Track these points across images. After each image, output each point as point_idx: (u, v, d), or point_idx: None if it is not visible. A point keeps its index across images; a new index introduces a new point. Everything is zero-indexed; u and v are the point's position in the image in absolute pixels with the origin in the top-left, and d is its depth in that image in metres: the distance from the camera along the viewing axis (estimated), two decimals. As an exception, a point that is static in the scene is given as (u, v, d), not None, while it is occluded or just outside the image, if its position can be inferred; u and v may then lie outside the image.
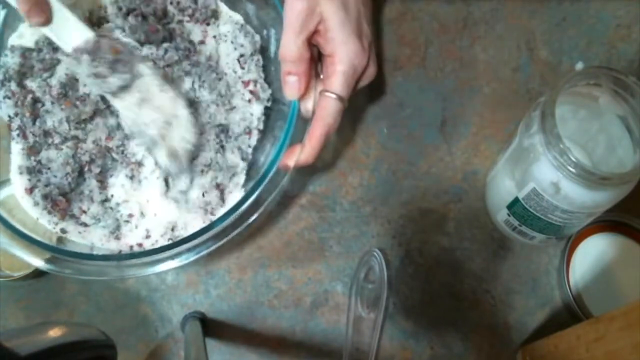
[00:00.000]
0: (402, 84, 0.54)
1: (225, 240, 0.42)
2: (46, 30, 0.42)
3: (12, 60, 0.46)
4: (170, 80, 0.46)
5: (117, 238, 0.46)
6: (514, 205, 0.45)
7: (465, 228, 0.51)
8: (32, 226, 0.44)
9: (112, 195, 0.46)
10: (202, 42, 0.49)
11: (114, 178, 0.47)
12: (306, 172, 0.51)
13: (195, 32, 0.48)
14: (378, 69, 0.47)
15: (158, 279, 0.50)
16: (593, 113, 0.44)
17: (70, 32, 0.42)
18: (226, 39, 0.49)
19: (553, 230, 0.44)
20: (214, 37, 0.49)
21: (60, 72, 0.46)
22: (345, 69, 0.43)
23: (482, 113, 0.53)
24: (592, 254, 0.50)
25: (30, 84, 0.46)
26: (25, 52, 0.46)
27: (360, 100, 0.53)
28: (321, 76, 0.45)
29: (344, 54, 0.42)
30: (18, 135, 0.46)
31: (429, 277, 0.50)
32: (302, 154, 0.43)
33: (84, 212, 0.46)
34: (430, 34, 0.54)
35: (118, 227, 0.46)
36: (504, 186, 0.46)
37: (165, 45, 0.47)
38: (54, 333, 0.28)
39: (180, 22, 0.48)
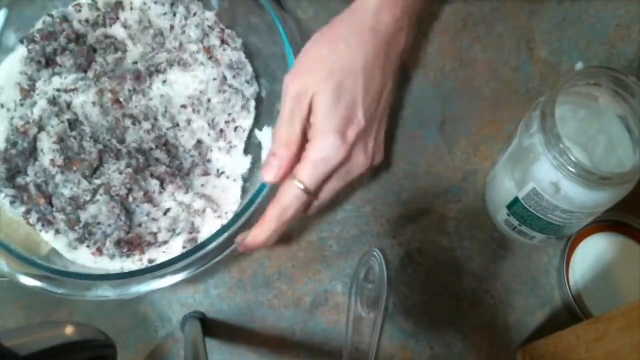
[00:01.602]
0: (402, 84, 0.54)
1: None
2: None
3: None
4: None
5: (194, 240, 0.46)
6: (514, 205, 0.45)
7: (465, 228, 0.51)
8: (23, 244, 0.44)
9: (169, 208, 0.47)
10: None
11: (163, 193, 0.47)
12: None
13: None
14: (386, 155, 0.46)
15: (158, 279, 0.50)
16: (593, 113, 0.44)
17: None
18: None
19: (553, 230, 0.44)
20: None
21: (48, 145, 0.45)
22: (315, 159, 0.40)
23: (482, 113, 0.53)
24: (592, 254, 0.50)
25: (26, 177, 0.45)
26: (4, 155, 0.45)
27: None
28: None
29: (318, 144, 0.40)
30: (43, 225, 0.45)
31: (429, 277, 0.50)
32: (251, 233, 0.41)
33: (156, 233, 0.46)
34: (430, 34, 0.54)
35: (194, 229, 0.46)
36: (504, 186, 0.46)
37: None
38: (54, 333, 0.28)
39: None
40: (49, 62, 0.48)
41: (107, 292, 0.41)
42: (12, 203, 0.44)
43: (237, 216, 0.43)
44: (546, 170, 0.40)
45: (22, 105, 0.47)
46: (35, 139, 0.46)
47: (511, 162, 0.45)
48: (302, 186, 0.40)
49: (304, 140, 0.41)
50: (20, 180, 0.45)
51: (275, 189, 0.42)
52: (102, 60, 0.49)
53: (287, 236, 0.51)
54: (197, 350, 0.42)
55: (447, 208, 0.51)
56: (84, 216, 0.45)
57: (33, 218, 0.44)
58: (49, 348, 0.27)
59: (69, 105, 0.47)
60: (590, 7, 0.55)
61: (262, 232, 0.41)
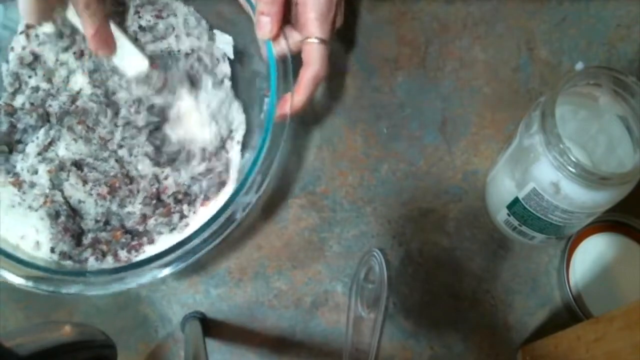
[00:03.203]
0: (402, 84, 0.54)
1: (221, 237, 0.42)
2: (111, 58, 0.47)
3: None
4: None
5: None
6: (514, 205, 0.45)
7: (465, 228, 0.51)
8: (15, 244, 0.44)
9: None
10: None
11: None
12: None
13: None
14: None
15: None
16: (593, 113, 0.44)
17: (129, 59, 0.48)
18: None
19: (553, 230, 0.44)
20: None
21: (76, 187, 0.46)
22: (317, 15, 0.44)
23: (482, 113, 0.53)
24: (592, 254, 0.50)
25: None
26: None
27: (361, 99, 0.53)
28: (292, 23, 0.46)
29: (312, 2, 0.43)
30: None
31: (429, 277, 0.50)
32: (293, 98, 0.44)
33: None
34: (430, 34, 0.54)
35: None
36: (504, 186, 0.46)
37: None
38: (54, 333, 0.28)
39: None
40: (12, 146, 0.48)
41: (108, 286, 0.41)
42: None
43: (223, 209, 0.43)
44: (546, 170, 0.40)
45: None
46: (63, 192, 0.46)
47: (511, 162, 0.45)
48: (317, 41, 0.44)
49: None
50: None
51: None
52: (57, 102, 0.48)
53: (281, 224, 0.51)
54: (197, 350, 0.42)
55: (447, 208, 0.51)
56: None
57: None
58: (49, 348, 0.27)
59: (58, 156, 0.47)
60: (590, 7, 0.55)
61: (301, 97, 0.44)
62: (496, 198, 0.48)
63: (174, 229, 0.46)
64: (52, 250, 0.44)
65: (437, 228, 0.51)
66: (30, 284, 0.41)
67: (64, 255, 0.44)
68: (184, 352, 0.47)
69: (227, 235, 0.42)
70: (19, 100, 0.48)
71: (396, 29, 0.54)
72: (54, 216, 0.44)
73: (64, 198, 0.45)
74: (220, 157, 0.48)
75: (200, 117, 0.48)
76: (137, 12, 0.50)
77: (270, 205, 0.51)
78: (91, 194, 0.45)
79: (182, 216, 0.47)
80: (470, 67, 0.54)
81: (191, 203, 0.47)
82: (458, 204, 0.52)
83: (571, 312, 0.48)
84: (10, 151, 0.47)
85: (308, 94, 0.45)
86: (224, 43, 0.51)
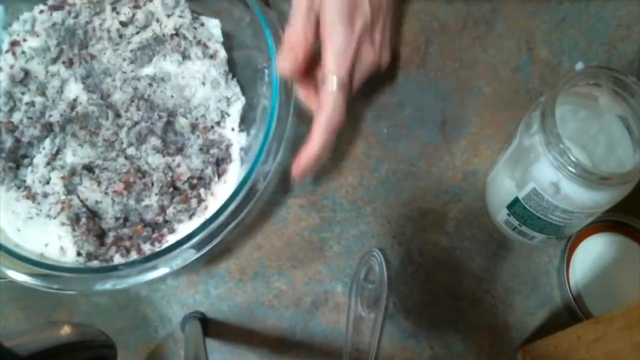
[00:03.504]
0: (402, 84, 0.54)
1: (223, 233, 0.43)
2: None
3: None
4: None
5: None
6: (514, 205, 0.45)
7: (465, 228, 0.51)
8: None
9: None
10: None
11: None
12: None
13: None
14: (391, 62, 0.46)
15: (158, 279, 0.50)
16: (593, 113, 0.44)
17: None
18: None
19: (553, 230, 0.44)
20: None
21: (92, 190, 0.46)
22: (335, 53, 0.42)
23: (482, 113, 0.53)
24: (592, 254, 0.50)
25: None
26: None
27: (361, 99, 0.53)
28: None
29: (331, 38, 0.42)
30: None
31: (429, 277, 0.50)
32: (302, 151, 0.42)
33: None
34: (430, 34, 0.54)
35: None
36: (504, 186, 0.46)
37: None
38: (54, 333, 0.28)
39: None
40: (18, 162, 0.48)
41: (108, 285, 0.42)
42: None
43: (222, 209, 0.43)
44: (546, 170, 0.40)
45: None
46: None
47: (511, 162, 0.45)
48: (334, 84, 0.41)
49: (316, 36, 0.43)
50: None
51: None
52: (56, 112, 0.48)
53: (281, 224, 0.51)
54: (197, 350, 0.42)
55: (447, 208, 0.51)
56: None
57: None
58: (49, 348, 0.27)
59: (67, 163, 0.47)
60: (590, 7, 0.55)
61: (313, 146, 0.41)
62: (496, 198, 0.48)
63: (193, 214, 0.46)
64: (79, 253, 0.44)
65: (437, 228, 0.51)
66: (60, 286, 0.42)
67: (90, 256, 0.44)
68: (184, 352, 0.47)
69: (234, 228, 0.43)
70: (16, 117, 0.48)
71: (396, 29, 0.54)
72: (75, 220, 0.45)
73: (81, 201, 0.46)
74: (222, 127, 0.49)
75: (193, 82, 0.49)
76: (114, 9, 0.50)
77: (270, 205, 0.51)
78: (107, 193, 0.45)
79: (200, 200, 0.47)
80: (470, 67, 0.54)
81: (206, 186, 0.47)
82: (458, 204, 0.52)
83: (571, 312, 0.48)
84: (18, 167, 0.47)
85: (322, 142, 0.41)
86: (211, 27, 0.51)
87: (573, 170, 0.38)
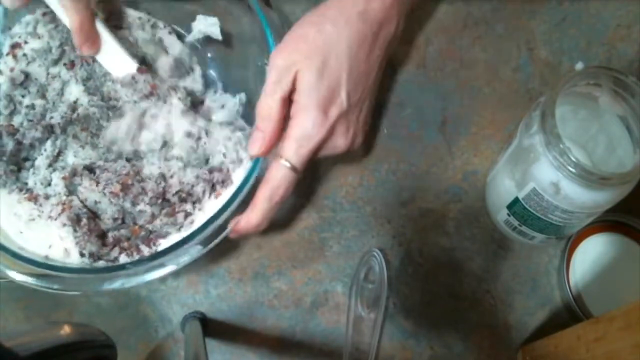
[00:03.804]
0: (402, 84, 0.54)
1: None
2: (97, 57, 0.46)
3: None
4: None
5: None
6: (514, 205, 0.45)
7: (465, 228, 0.51)
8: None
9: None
10: None
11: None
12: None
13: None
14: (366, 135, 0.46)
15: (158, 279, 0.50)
16: (593, 113, 0.44)
17: (116, 60, 0.46)
18: None
19: (553, 230, 0.44)
20: None
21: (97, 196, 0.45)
22: (298, 137, 0.41)
23: (482, 113, 0.53)
24: (592, 254, 0.50)
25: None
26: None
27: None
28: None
29: (300, 120, 0.41)
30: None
31: (429, 277, 0.50)
32: (243, 216, 0.41)
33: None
34: (430, 34, 0.54)
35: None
36: (504, 186, 0.46)
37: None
38: (54, 333, 0.28)
39: None
40: (20, 165, 0.47)
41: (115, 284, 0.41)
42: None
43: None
44: (546, 170, 0.40)
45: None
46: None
47: (511, 162, 0.45)
48: (288, 164, 0.41)
49: (287, 116, 0.42)
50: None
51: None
52: (57, 114, 0.48)
53: (281, 223, 0.51)
54: (197, 350, 0.42)
55: (447, 208, 0.51)
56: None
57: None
58: (49, 348, 0.27)
59: (68, 165, 0.47)
60: (590, 7, 0.55)
61: (254, 214, 0.41)
62: (496, 198, 0.48)
63: (181, 227, 0.46)
64: (82, 254, 0.44)
65: (437, 228, 0.51)
66: (69, 287, 0.41)
67: (93, 256, 0.44)
68: (184, 352, 0.47)
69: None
70: (16, 121, 0.47)
71: (396, 29, 0.54)
72: (76, 220, 0.44)
73: (81, 202, 0.45)
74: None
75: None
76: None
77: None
78: (105, 194, 0.45)
79: (187, 214, 0.47)
80: (470, 67, 0.54)
81: (195, 202, 0.47)
82: (458, 204, 0.52)
83: (571, 312, 0.48)
84: (19, 169, 0.47)
85: (261, 213, 0.41)
86: (209, 25, 0.50)
87: (573, 170, 0.38)
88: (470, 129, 0.53)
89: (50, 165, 0.46)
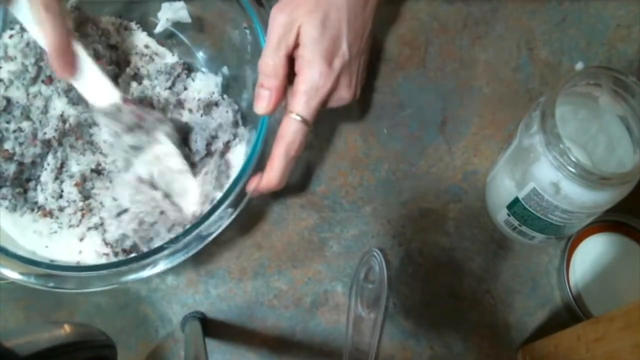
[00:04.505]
0: (402, 84, 0.54)
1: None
2: (73, 81, 0.44)
3: None
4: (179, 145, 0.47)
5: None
6: (514, 205, 0.45)
7: (465, 228, 0.51)
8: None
9: None
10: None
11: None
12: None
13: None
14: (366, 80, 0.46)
15: (158, 278, 0.50)
16: (593, 113, 0.44)
17: (97, 88, 0.44)
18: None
19: (553, 230, 0.44)
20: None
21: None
22: (307, 89, 0.42)
23: (482, 113, 0.53)
24: (592, 254, 0.50)
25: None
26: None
27: (361, 100, 0.53)
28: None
29: (307, 74, 0.42)
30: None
31: (429, 277, 0.50)
32: (263, 175, 0.42)
33: None
34: (430, 34, 0.54)
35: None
36: (504, 186, 0.46)
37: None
38: (54, 333, 0.28)
39: None
40: (24, 186, 0.47)
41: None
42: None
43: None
44: (546, 170, 0.40)
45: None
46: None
47: (511, 162, 0.45)
48: (299, 118, 0.42)
49: (291, 72, 0.43)
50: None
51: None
52: (49, 128, 0.48)
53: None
54: (197, 350, 0.42)
55: (447, 208, 0.51)
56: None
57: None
58: (49, 348, 0.27)
59: (74, 173, 0.47)
60: (590, 7, 0.55)
61: (273, 172, 0.42)
62: (496, 198, 0.48)
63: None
64: (115, 254, 0.44)
65: (437, 228, 0.51)
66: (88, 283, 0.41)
67: (126, 251, 0.45)
68: (184, 352, 0.47)
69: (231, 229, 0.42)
70: (8, 146, 0.47)
71: (396, 29, 0.54)
72: (99, 222, 0.45)
73: (100, 203, 0.46)
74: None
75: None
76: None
77: (270, 205, 0.51)
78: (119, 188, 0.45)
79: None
80: (470, 67, 0.54)
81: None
82: (458, 204, 0.52)
83: (571, 312, 0.48)
84: (25, 191, 0.47)
85: (279, 168, 0.42)
86: (176, 10, 0.50)
87: (573, 170, 0.38)
88: (470, 129, 0.53)
89: (56, 177, 0.47)
